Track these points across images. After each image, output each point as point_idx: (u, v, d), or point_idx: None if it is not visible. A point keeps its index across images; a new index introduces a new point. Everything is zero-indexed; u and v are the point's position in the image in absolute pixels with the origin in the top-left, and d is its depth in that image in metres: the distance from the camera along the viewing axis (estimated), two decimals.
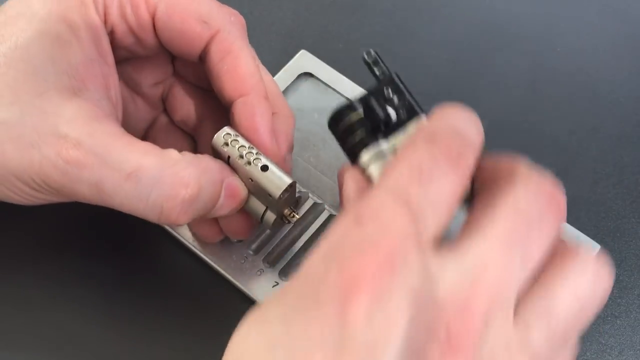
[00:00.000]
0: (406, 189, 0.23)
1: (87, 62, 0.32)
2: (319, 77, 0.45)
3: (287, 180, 0.32)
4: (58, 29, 0.31)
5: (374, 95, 0.31)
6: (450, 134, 0.24)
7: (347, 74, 0.45)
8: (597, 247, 0.39)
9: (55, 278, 0.39)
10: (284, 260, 0.39)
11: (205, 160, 0.32)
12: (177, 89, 0.38)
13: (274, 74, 0.42)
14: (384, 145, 0.29)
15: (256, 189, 0.33)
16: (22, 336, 0.38)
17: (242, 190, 0.33)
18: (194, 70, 0.38)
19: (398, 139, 0.29)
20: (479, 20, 0.49)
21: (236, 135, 0.33)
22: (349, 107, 0.30)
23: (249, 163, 0.32)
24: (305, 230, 0.39)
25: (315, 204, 0.40)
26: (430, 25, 0.49)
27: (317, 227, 0.39)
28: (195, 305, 0.39)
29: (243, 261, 0.39)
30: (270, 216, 0.34)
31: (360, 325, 0.20)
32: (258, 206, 0.34)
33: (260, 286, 0.38)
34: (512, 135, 0.44)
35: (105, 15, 0.33)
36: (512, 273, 0.23)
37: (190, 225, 0.38)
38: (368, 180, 0.28)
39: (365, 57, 0.32)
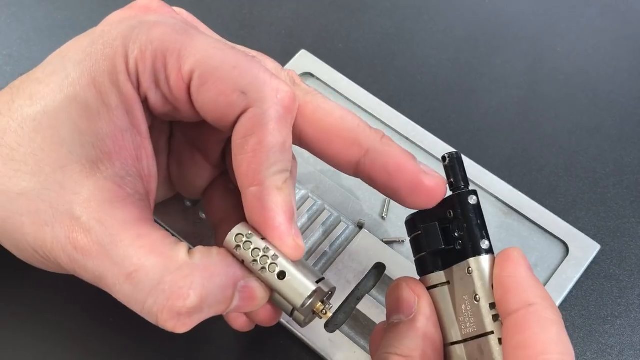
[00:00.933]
0: None
1: (116, 133, 0.30)
2: (319, 77, 0.45)
3: (310, 287, 0.29)
4: (88, 97, 0.30)
5: (437, 214, 0.30)
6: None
7: (347, 74, 0.45)
8: (597, 247, 0.39)
9: (53, 278, 0.39)
10: None
11: (216, 263, 0.29)
12: None
13: None
14: (439, 278, 0.30)
15: (279, 293, 0.30)
16: (22, 336, 0.38)
17: (259, 293, 0.30)
18: None
19: (452, 273, 0.30)
20: (479, 21, 0.49)
21: (249, 235, 0.29)
22: (419, 216, 0.31)
23: (264, 269, 0.29)
24: (305, 231, 0.39)
25: (315, 204, 0.40)
26: (430, 25, 0.49)
27: (317, 226, 0.39)
28: None
29: None
30: (300, 316, 0.31)
31: None
32: (286, 304, 0.30)
33: None
34: (512, 135, 0.44)
35: (138, 82, 0.30)
36: None
37: None
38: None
39: (447, 162, 0.31)
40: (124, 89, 0.30)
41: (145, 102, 0.31)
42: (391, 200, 0.41)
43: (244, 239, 0.29)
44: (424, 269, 0.31)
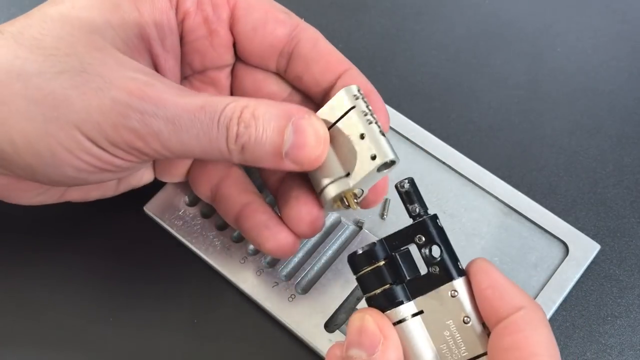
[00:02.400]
0: None
1: (146, 38, 0.32)
2: None
3: (395, 156, 0.31)
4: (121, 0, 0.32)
5: (401, 240, 0.29)
6: None
7: None
8: (597, 247, 0.39)
9: (53, 277, 0.39)
10: (289, 264, 0.39)
11: (265, 101, 0.31)
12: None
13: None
14: (409, 309, 0.28)
15: (356, 150, 0.31)
16: (22, 336, 0.38)
17: (316, 129, 0.31)
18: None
19: (427, 303, 0.28)
20: (479, 20, 0.49)
21: (364, 98, 0.32)
22: (368, 254, 0.29)
23: (370, 122, 0.31)
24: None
25: None
26: (430, 25, 0.49)
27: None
28: (195, 305, 0.39)
29: (243, 261, 0.39)
30: (332, 190, 0.32)
31: None
32: (328, 172, 0.32)
33: (257, 285, 0.38)
34: (512, 135, 0.44)
35: (178, 2, 0.33)
36: None
37: (257, 237, 0.35)
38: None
39: (399, 187, 0.29)
40: (158, 3, 0.33)
41: (181, 22, 0.34)
42: (391, 200, 0.41)
43: (361, 95, 0.32)
44: (390, 302, 0.28)
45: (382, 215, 0.40)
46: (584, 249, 0.39)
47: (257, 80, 0.36)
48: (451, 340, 0.28)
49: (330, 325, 0.37)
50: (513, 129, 0.45)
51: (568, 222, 0.40)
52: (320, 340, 0.37)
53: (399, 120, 0.43)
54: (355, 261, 0.29)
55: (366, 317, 0.28)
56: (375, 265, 0.29)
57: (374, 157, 0.30)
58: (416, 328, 0.28)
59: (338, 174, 0.31)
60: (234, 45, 0.36)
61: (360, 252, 0.29)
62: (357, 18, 0.50)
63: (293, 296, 0.38)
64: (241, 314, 0.38)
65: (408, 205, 0.29)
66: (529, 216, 0.40)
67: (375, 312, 0.29)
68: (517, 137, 0.44)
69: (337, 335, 0.37)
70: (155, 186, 0.40)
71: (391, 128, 0.43)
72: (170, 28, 0.34)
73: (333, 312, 0.37)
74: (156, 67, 0.34)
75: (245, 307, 0.38)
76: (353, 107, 0.31)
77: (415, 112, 0.44)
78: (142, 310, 0.39)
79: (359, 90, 0.32)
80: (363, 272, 0.29)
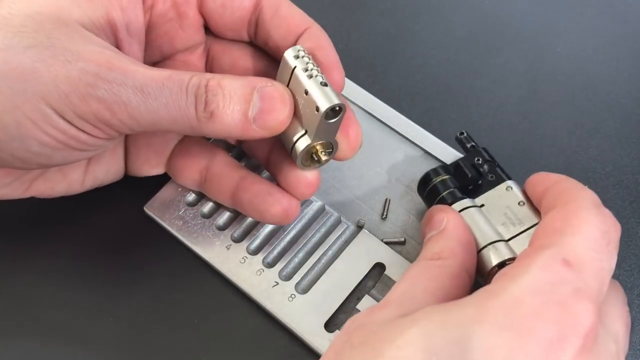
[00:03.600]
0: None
1: (110, 18, 0.33)
2: None
3: (339, 101, 0.32)
4: None
5: (465, 161, 0.38)
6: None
7: (347, 74, 0.45)
8: None
9: (53, 277, 0.39)
10: (289, 264, 0.39)
11: (231, 76, 0.33)
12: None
13: (273, 75, 0.42)
14: (471, 202, 0.36)
15: (305, 106, 0.33)
16: (22, 337, 0.38)
17: (282, 93, 0.33)
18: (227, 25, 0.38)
19: (487, 198, 0.36)
20: (479, 20, 0.49)
21: (308, 54, 0.33)
22: (435, 171, 0.38)
23: (311, 77, 0.33)
24: (305, 231, 0.39)
25: (315, 204, 0.40)
26: (430, 25, 0.49)
27: (317, 226, 0.39)
28: (195, 305, 0.39)
29: (243, 261, 0.39)
30: (298, 148, 0.34)
31: None
32: (293, 131, 0.34)
33: (257, 285, 0.38)
34: (512, 135, 0.44)
35: None
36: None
37: (253, 206, 0.37)
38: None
39: (458, 135, 0.39)
40: None
41: (150, 9, 0.35)
42: (391, 200, 0.41)
43: (303, 53, 0.33)
44: (454, 198, 0.36)
45: (382, 215, 0.40)
46: None
47: (234, 57, 0.38)
48: (508, 220, 0.35)
49: (330, 325, 0.37)
50: (513, 129, 0.45)
51: None
52: (320, 340, 0.37)
53: (399, 120, 0.43)
54: (427, 176, 0.38)
55: (432, 209, 0.35)
56: (444, 177, 0.37)
57: (317, 109, 0.32)
58: (478, 213, 0.35)
59: (300, 133, 0.33)
60: (206, 26, 0.37)
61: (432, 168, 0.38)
62: (357, 18, 0.50)
63: (293, 296, 0.38)
64: (241, 314, 0.38)
65: (466, 144, 0.39)
66: None
67: (439, 205, 0.36)
68: (517, 137, 0.44)
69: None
70: (156, 186, 0.40)
71: (391, 128, 0.43)
72: (136, 13, 0.34)
73: (333, 312, 0.37)
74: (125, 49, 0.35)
75: (245, 307, 0.38)
76: (295, 67, 0.33)
77: (415, 112, 0.44)
78: (142, 310, 0.39)
79: (301, 49, 0.33)
80: (433, 183, 0.37)
